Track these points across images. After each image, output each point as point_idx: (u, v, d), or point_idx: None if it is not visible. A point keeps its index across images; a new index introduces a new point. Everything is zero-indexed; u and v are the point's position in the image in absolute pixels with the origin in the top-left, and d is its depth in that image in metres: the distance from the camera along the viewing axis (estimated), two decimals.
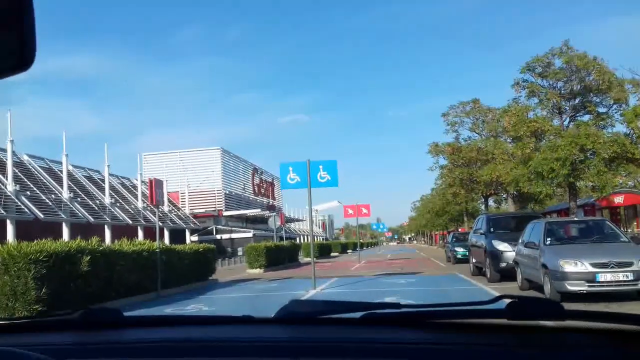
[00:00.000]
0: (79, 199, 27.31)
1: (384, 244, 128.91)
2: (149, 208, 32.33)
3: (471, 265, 16.68)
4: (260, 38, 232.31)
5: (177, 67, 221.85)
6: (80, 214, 26.04)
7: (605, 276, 8.95)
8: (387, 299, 10.61)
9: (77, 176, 30.24)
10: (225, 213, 44.09)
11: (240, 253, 39.73)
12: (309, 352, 1.00)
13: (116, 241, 14.02)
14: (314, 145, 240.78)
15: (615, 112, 18.00)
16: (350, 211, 29.97)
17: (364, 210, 29.92)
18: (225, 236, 42.55)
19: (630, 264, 8.99)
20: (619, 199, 18.79)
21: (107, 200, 29.79)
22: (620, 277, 8.94)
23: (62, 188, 26.15)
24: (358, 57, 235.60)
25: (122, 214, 30.42)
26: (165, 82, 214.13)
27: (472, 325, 1.14)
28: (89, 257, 10.74)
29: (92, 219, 26.55)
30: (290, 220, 53.57)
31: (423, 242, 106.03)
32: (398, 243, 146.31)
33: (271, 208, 50.91)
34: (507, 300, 1.07)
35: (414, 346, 1.02)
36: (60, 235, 21.19)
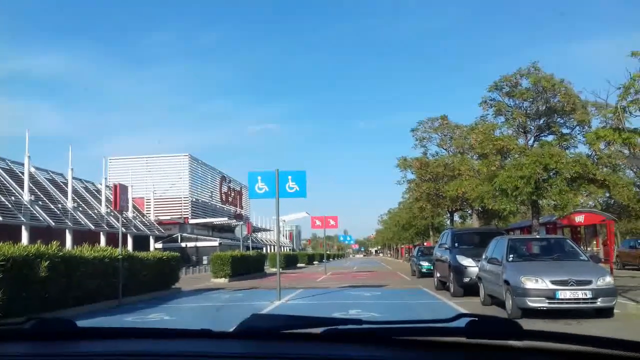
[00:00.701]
0: (40, 202, 26.62)
1: (351, 256, 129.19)
2: (112, 214, 31.71)
3: (435, 279, 16.84)
4: (233, 45, 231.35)
5: (147, 71, 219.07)
6: (41, 218, 25.37)
7: (564, 293, 9.14)
8: (352, 312, 10.61)
9: (39, 179, 29.49)
10: (192, 221, 43.57)
11: (205, 262, 39.26)
12: None
13: (77, 247, 13.69)
14: (284, 155, 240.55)
15: (578, 134, 18.51)
16: (318, 222, 29.97)
17: (332, 222, 29.95)
18: (190, 244, 42.01)
19: (589, 282, 9.20)
20: (579, 218, 19.26)
21: (69, 204, 29.12)
22: (580, 294, 9.14)
23: (22, 190, 25.45)
24: (330, 68, 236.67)
25: (85, 219, 29.77)
26: (134, 85, 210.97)
27: (431, 342, 1.14)
28: (47, 262, 10.45)
29: (53, 223, 25.89)
30: (258, 229, 53.24)
31: (389, 255, 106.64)
32: (364, 255, 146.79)
33: (238, 217, 50.53)
34: (467, 319, 1.08)
35: None
36: (19, 239, 20.57)
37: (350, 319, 1.27)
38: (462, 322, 1.10)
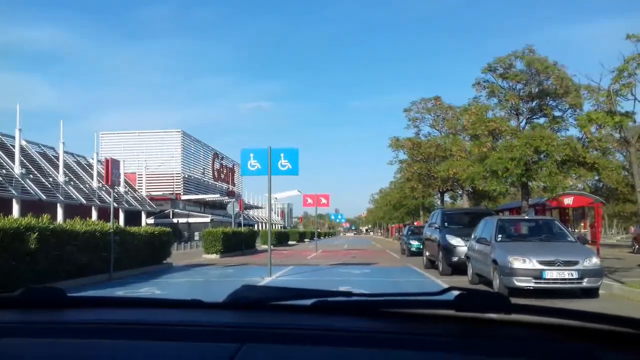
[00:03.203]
0: (31, 175, 26.43)
1: (342, 235, 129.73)
2: (104, 188, 31.59)
3: (424, 258, 16.99)
4: (228, 22, 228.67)
5: (140, 45, 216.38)
6: (32, 191, 25.23)
7: (551, 273, 9.28)
8: (341, 288, 10.72)
9: (30, 152, 29.22)
10: (184, 197, 43.48)
11: (197, 238, 39.30)
12: (257, 338, 1.00)
13: (68, 220, 13.67)
14: (277, 133, 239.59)
15: (570, 117, 18.56)
16: (310, 200, 30.03)
17: (323, 201, 30.03)
18: (182, 220, 41.98)
19: (575, 263, 9.34)
20: (568, 200, 19.39)
21: (60, 178, 28.94)
22: (566, 275, 9.28)
23: (13, 164, 25.25)
24: (326, 46, 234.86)
25: (76, 193, 29.63)
26: (127, 61, 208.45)
27: (421, 315, 1.17)
28: (37, 234, 10.44)
29: (45, 197, 25.76)
30: (249, 207, 53.24)
31: (379, 234, 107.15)
32: (355, 234, 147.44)
33: (230, 194, 50.48)
34: (456, 292, 1.10)
35: (364, 334, 1.03)
36: (10, 212, 20.47)
37: (340, 291, 1.29)
38: (450, 296, 1.11)
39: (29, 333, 1.09)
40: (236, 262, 19.87)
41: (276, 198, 68.17)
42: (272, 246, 15.06)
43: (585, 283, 9.28)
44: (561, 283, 9.33)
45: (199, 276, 14.89)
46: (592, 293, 9.47)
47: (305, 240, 59.38)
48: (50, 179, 28.41)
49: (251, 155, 13.44)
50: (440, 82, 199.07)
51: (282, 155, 13.43)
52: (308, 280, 13.22)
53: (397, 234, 61.21)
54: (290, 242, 49.96)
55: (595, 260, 9.55)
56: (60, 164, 29.44)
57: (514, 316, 1.10)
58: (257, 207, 59.07)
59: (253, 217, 59.33)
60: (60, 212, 26.29)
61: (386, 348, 0.96)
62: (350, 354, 0.95)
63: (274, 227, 57.17)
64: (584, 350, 0.96)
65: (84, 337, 1.05)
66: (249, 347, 0.95)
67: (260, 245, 34.24)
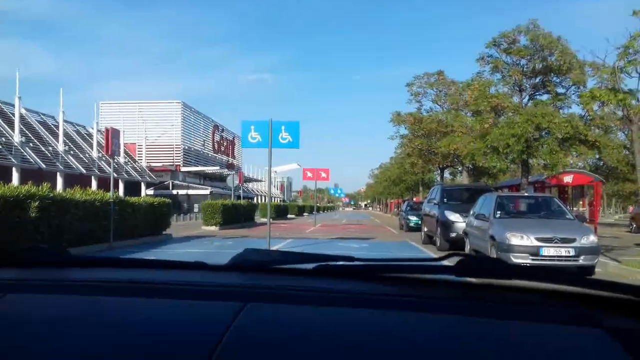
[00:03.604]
0: (30, 144, 26.40)
1: (341, 209, 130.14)
2: (104, 158, 31.58)
3: (423, 233, 17.08)
4: None
5: (142, 14, 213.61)
6: (31, 160, 25.24)
7: (548, 250, 9.33)
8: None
9: (29, 120, 29.14)
10: (183, 169, 43.51)
11: (196, 210, 39.45)
12: (260, 298, 1.01)
13: (68, 189, 13.70)
14: (278, 105, 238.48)
15: (573, 94, 18.44)
16: (309, 174, 30.02)
17: (323, 175, 30.02)
18: (182, 192, 42.09)
19: (573, 240, 9.39)
20: (568, 179, 19.39)
21: (60, 147, 28.92)
22: (563, 252, 9.33)
23: (13, 132, 25.19)
24: (329, 16, 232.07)
25: (76, 163, 29.64)
26: (128, 30, 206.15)
27: (421, 280, 1.18)
28: (37, 203, 10.47)
29: (44, 166, 25.78)
30: (249, 180, 53.31)
31: (379, 209, 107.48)
32: (354, 209, 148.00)
33: (230, 166, 50.49)
34: (457, 258, 1.11)
35: (364, 296, 1.04)
36: (10, 180, 20.52)
37: (342, 256, 1.30)
38: (451, 262, 1.12)
39: (32, 289, 1.09)
40: (235, 235, 19.97)
41: (276, 171, 68.26)
42: (271, 219, 15.12)
43: (581, 261, 9.34)
44: (558, 260, 9.38)
45: (199, 247, 14.99)
46: (587, 271, 9.52)
47: (305, 214, 59.57)
48: (50, 148, 28.39)
49: (252, 127, 13.37)
50: (445, 57, 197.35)
51: (282, 128, 13.36)
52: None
53: (396, 209, 61.40)
54: (289, 216, 50.15)
55: (592, 239, 9.60)
56: (60, 133, 29.39)
57: (514, 281, 1.10)
58: (256, 180, 59.17)
59: (253, 190, 59.46)
60: (60, 181, 26.35)
61: (387, 309, 0.97)
62: (351, 314, 0.96)
63: (273, 200, 57.32)
64: (585, 315, 0.97)
65: (88, 294, 1.06)
66: (252, 306, 0.96)
67: (259, 218, 34.38)
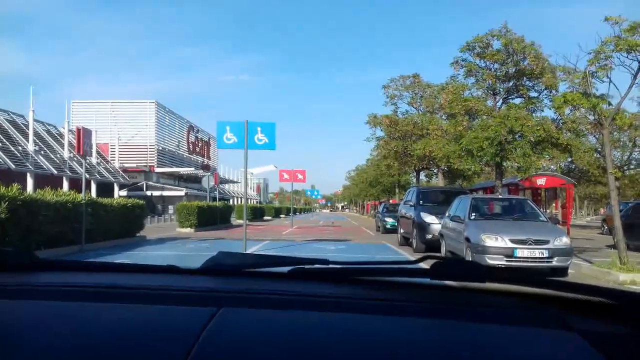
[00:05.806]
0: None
1: (317, 211, 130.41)
2: (75, 158, 31.03)
3: (399, 235, 17.16)
4: None
5: (116, 12, 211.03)
6: (0, 160, 24.66)
7: (522, 252, 9.45)
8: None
9: None
10: (157, 169, 43.02)
11: (171, 211, 39.07)
12: (234, 302, 0.99)
13: (39, 190, 13.41)
14: (254, 106, 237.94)
15: (546, 98, 18.74)
16: (286, 176, 29.99)
17: (300, 176, 30.03)
18: (156, 193, 41.62)
19: (546, 242, 9.53)
20: (541, 181, 19.72)
21: (30, 147, 28.33)
22: (537, 254, 9.46)
23: None
24: (308, 19, 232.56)
25: (47, 163, 29.06)
26: (102, 28, 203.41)
27: (396, 283, 1.17)
28: (6, 204, 10.21)
29: (14, 166, 25.22)
30: (225, 181, 52.99)
31: (355, 211, 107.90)
32: (331, 210, 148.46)
33: (206, 168, 50.11)
34: (432, 261, 1.10)
35: (339, 300, 1.03)
36: None
37: (317, 259, 1.27)
38: (426, 265, 1.12)
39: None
40: (211, 237, 19.81)
41: (252, 173, 68.02)
42: (247, 221, 15.03)
43: (555, 262, 9.48)
44: (532, 261, 9.51)
45: (174, 250, 14.81)
46: (561, 272, 9.68)
47: (281, 215, 59.51)
48: (20, 148, 27.79)
49: (227, 128, 13.27)
50: (421, 61, 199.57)
51: (259, 129, 13.29)
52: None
53: (372, 211, 61.72)
54: (265, 218, 50.02)
55: (565, 240, 9.75)
56: (30, 132, 28.79)
57: (488, 284, 1.11)
58: (232, 182, 58.85)
59: (229, 191, 59.13)
60: (30, 182, 25.81)
61: (361, 313, 0.96)
62: (325, 319, 0.94)
63: (249, 202, 57.09)
64: (556, 317, 0.97)
65: (57, 300, 1.02)
66: (226, 310, 0.94)
67: (235, 220, 34.19)
